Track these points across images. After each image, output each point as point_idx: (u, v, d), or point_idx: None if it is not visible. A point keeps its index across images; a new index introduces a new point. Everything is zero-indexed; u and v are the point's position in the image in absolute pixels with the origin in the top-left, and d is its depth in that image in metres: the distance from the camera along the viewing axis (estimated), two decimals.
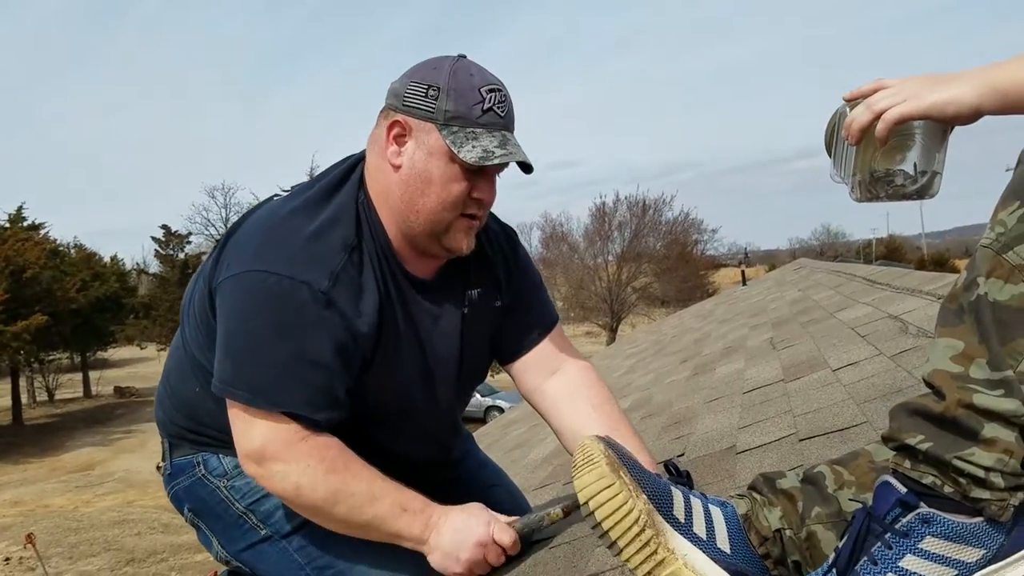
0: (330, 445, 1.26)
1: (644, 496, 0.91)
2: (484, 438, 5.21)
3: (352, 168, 1.38)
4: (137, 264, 39.57)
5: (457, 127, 1.27)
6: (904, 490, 0.80)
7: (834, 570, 0.81)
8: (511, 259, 1.53)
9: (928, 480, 0.78)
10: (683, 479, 1.01)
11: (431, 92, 1.27)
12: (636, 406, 3.35)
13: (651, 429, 2.59)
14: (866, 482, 0.94)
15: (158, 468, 1.53)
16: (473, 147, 1.27)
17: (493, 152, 1.27)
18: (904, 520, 0.79)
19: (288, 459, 1.23)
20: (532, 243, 38.50)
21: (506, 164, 1.31)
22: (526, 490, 2.29)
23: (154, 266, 36.92)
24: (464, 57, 1.32)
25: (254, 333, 1.24)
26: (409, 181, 1.30)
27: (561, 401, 1.52)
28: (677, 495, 0.95)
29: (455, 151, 1.26)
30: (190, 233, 35.73)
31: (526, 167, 1.33)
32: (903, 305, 3.01)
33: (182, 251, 35.32)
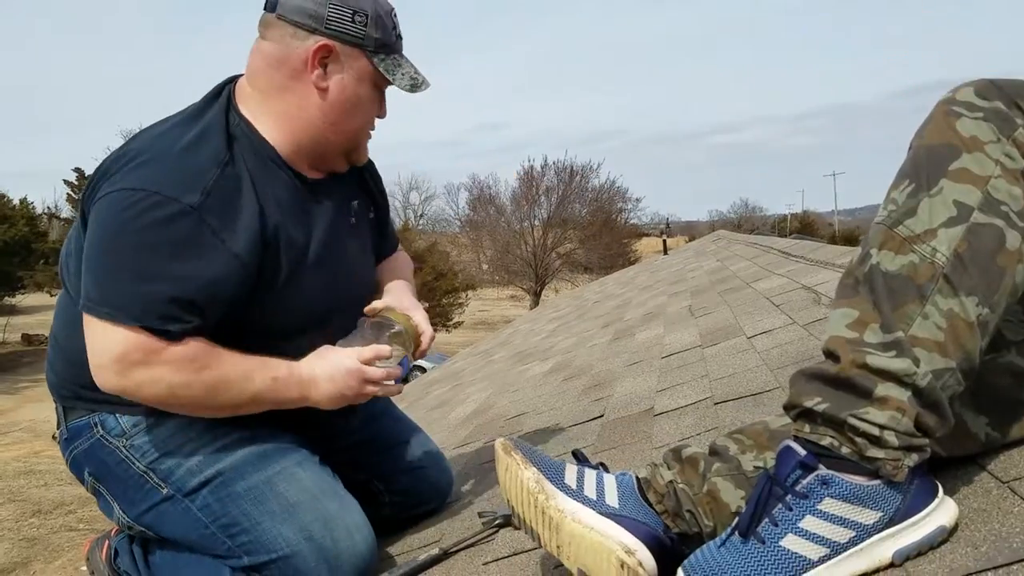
0: (194, 345, 1.26)
1: (534, 468, 0.98)
2: (406, 397, 5.20)
3: (218, 93, 1.39)
4: (48, 208, 37.38)
5: (384, 54, 1.35)
6: (804, 453, 0.82)
7: (736, 532, 0.83)
8: (379, 180, 1.63)
9: (826, 441, 0.81)
10: (588, 462, 1.06)
11: (358, 18, 1.31)
12: (558, 368, 3.39)
13: (572, 391, 2.63)
14: (763, 443, 0.99)
15: (54, 437, 1.47)
16: (403, 75, 1.37)
17: (417, 79, 1.38)
18: (804, 482, 0.81)
19: (151, 363, 1.23)
20: (459, 204, 38.32)
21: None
22: (447, 448, 2.30)
23: (66, 211, 35.01)
24: None
25: (119, 249, 1.23)
26: (336, 104, 1.35)
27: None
28: (571, 468, 1.01)
29: (390, 79, 1.36)
30: None
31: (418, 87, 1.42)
32: (816, 277, 3.12)
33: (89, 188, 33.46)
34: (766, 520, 0.82)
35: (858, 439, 0.79)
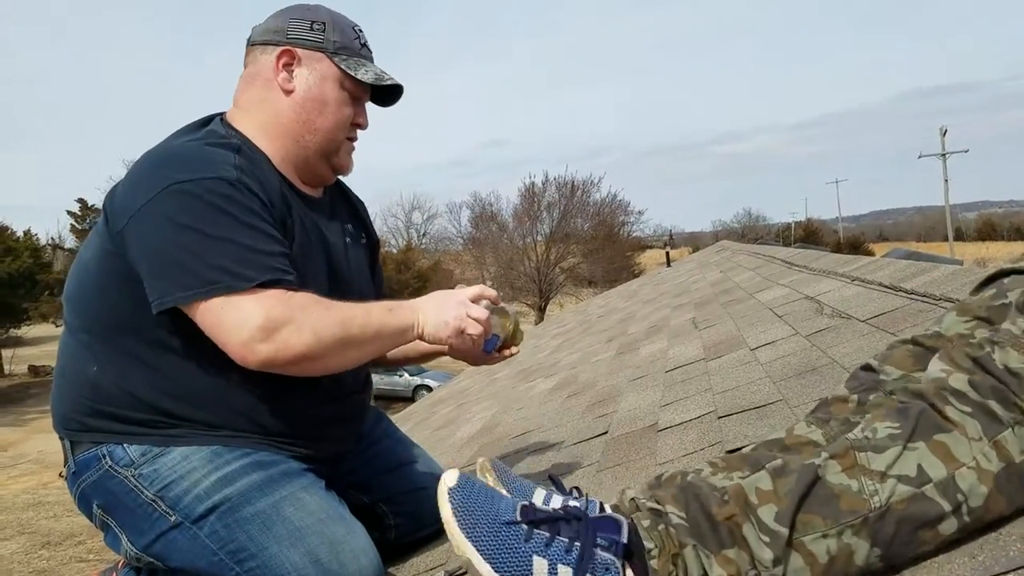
0: (309, 293, 1.30)
1: (503, 490, 1.05)
2: (412, 417, 5.19)
3: (206, 121, 1.45)
4: (52, 239, 37.52)
5: (345, 55, 1.44)
6: (625, 540, 0.88)
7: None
8: (368, 215, 1.71)
9: (651, 546, 0.87)
10: (564, 489, 1.10)
11: (316, 26, 1.43)
12: (563, 384, 3.39)
13: (576, 408, 2.63)
14: (734, 465, 1.01)
15: (61, 475, 1.47)
16: (366, 71, 1.45)
17: (383, 75, 1.46)
18: (605, 555, 0.88)
19: (293, 315, 1.24)
20: (462, 222, 38.39)
21: (379, 93, 1.50)
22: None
23: (70, 241, 35.17)
24: None
25: (197, 230, 1.24)
26: (304, 103, 1.43)
27: None
28: (539, 492, 1.06)
29: (352, 74, 1.43)
30: None
31: (392, 98, 1.52)
32: (819, 287, 3.13)
33: (98, 218, 33.61)
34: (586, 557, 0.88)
35: (677, 569, 0.85)
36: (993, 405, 0.83)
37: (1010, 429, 0.82)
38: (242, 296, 1.23)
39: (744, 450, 1.05)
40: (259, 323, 1.22)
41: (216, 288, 1.22)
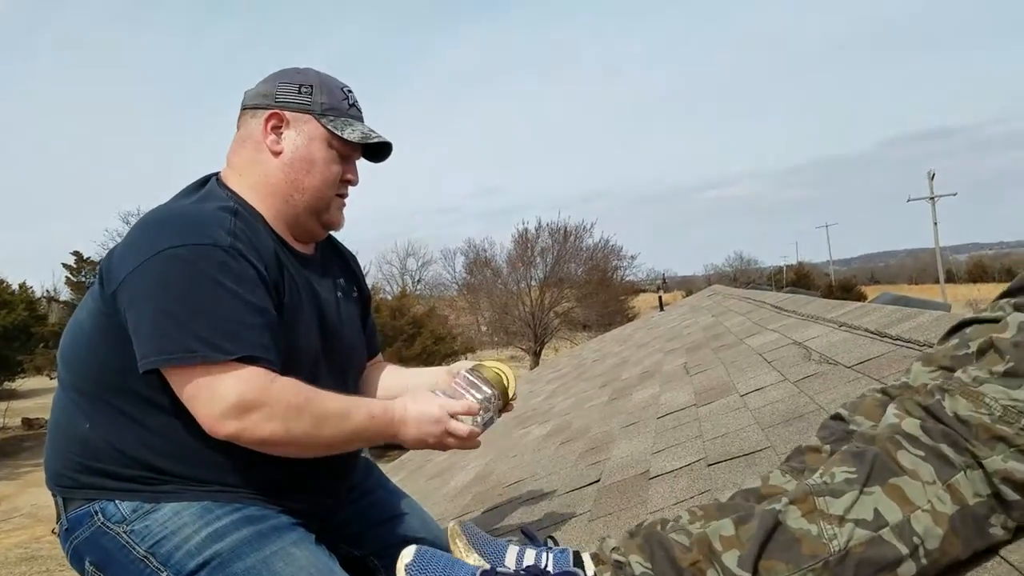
0: (293, 380, 1.30)
1: (475, 554, 1.07)
2: (406, 465, 5.16)
3: (204, 182, 1.49)
4: (47, 291, 37.33)
5: (333, 116, 1.47)
6: None
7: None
8: (360, 269, 1.74)
9: None
10: (537, 541, 1.13)
11: (304, 90, 1.47)
12: (556, 431, 3.39)
13: (570, 455, 2.63)
14: (712, 514, 1.02)
15: (54, 531, 1.47)
16: (353, 130, 1.48)
17: (370, 134, 1.50)
18: None
19: (268, 401, 1.25)
20: (456, 268, 38.51)
21: (370, 150, 1.54)
22: (446, 519, 2.29)
23: (65, 293, 35.00)
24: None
25: (185, 296, 1.25)
26: (293, 163, 1.46)
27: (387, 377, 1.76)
28: (512, 549, 1.09)
29: (339, 134, 1.46)
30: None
31: (383, 154, 1.55)
32: (807, 332, 3.16)
33: (94, 278, 33.47)
34: None
35: None
36: (945, 449, 0.86)
37: (962, 472, 0.84)
38: (220, 369, 1.24)
39: (721, 500, 1.07)
40: (232, 401, 1.24)
41: (193, 357, 1.24)
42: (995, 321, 1.03)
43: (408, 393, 1.48)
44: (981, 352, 0.95)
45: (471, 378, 1.51)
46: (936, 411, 0.89)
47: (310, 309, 1.46)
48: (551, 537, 1.10)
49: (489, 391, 1.50)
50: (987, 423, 0.85)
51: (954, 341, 1.06)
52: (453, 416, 1.44)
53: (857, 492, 0.86)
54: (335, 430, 1.34)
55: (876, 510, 0.85)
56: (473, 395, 1.48)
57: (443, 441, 1.44)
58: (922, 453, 0.87)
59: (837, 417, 1.11)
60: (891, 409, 0.94)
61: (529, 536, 1.11)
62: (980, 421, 0.86)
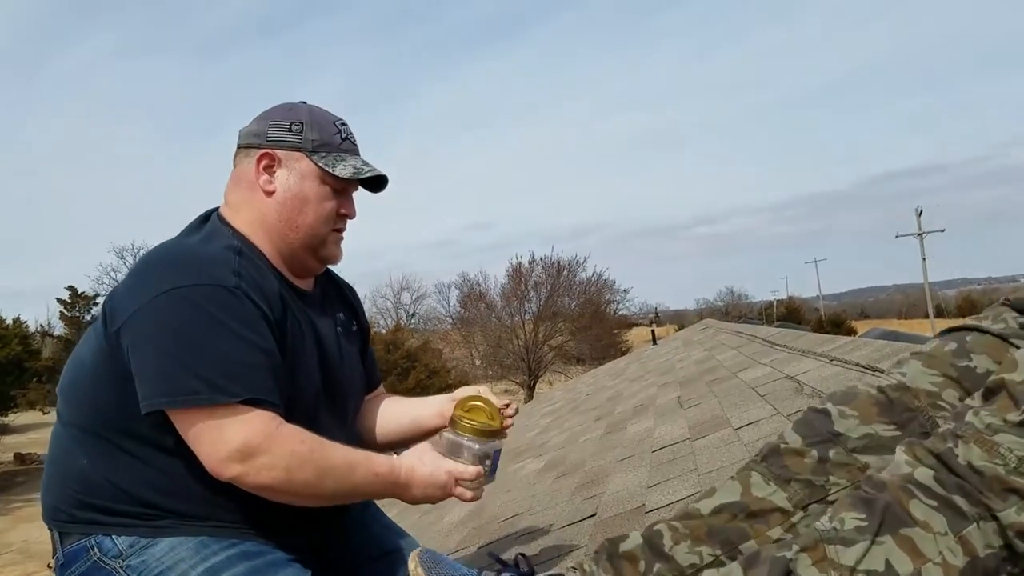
0: (298, 428, 1.29)
1: None
2: (398, 502, 5.12)
3: (206, 217, 1.50)
4: (41, 326, 37.00)
5: (324, 152, 1.47)
6: None
7: None
8: (359, 301, 1.74)
9: None
10: (505, 565, 1.13)
11: (295, 127, 1.47)
12: (551, 465, 3.39)
13: (565, 490, 2.64)
14: (700, 536, 1.03)
15: (49, 566, 1.47)
16: (344, 166, 1.48)
17: (362, 169, 1.49)
18: None
19: (272, 448, 1.24)
20: (450, 302, 38.49)
21: (368, 180, 1.51)
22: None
23: (59, 328, 34.76)
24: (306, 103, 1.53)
25: (189, 337, 1.25)
26: (286, 202, 1.46)
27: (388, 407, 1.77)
28: None
29: (329, 171, 1.46)
30: (97, 295, 33.43)
31: (380, 185, 1.54)
32: (799, 366, 3.19)
33: (88, 313, 33.10)
34: None
35: None
36: (958, 500, 0.84)
37: (975, 524, 0.83)
38: (225, 412, 1.24)
39: (703, 511, 1.05)
40: (237, 446, 1.24)
41: (197, 399, 1.24)
42: (999, 337, 1.01)
43: (415, 450, 1.45)
44: (991, 391, 0.92)
45: (481, 431, 1.46)
46: (949, 460, 0.87)
47: (311, 347, 1.47)
48: (521, 554, 1.11)
49: (497, 443, 1.48)
50: (1002, 475, 0.84)
51: (952, 346, 1.05)
52: (459, 482, 1.42)
53: (868, 542, 0.86)
54: (337, 484, 1.32)
55: (887, 561, 0.84)
56: (475, 455, 1.44)
57: (453, 495, 1.43)
58: (935, 503, 0.85)
59: (821, 412, 1.08)
60: (901, 455, 0.93)
61: (497, 559, 1.11)
62: (995, 472, 0.84)
